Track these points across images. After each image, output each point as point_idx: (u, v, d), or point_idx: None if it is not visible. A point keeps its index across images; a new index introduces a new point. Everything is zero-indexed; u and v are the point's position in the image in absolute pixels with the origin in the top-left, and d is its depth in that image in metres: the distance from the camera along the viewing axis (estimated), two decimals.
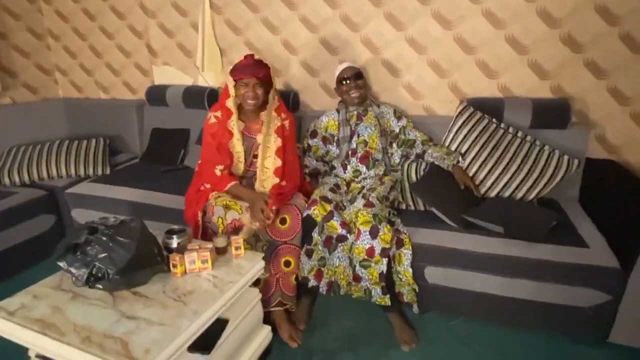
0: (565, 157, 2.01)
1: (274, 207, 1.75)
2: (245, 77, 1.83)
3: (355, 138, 2.15)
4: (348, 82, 2.11)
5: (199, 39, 2.77)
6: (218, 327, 1.33)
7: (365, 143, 2.14)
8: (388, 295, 1.78)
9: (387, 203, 1.96)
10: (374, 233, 1.74)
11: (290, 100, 2.53)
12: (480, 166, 2.06)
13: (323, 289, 1.88)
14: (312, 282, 1.87)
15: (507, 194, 2.02)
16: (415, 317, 1.89)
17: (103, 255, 1.17)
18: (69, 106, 3.17)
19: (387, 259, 1.75)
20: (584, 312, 1.64)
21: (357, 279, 1.80)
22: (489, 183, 2.05)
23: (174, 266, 1.34)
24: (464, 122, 2.15)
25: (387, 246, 1.74)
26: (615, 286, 1.60)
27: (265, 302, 1.76)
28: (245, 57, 1.89)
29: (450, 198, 1.99)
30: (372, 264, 1.75)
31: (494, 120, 2.14)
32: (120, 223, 1.29)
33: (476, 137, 2.10)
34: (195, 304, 1.21)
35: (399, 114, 2.21)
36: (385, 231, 1.75)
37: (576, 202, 2.09)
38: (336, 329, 1.88)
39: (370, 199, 1.87)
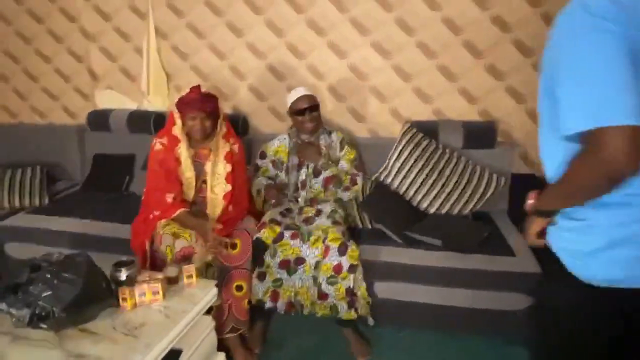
0: (494, 175, 2.22)
1: (221, 229, 1.79)
2: (193, 112, 1.85)
3: (304, 169, 2.17)
4: (304, 114, 2.09)
5: (143, 63, 2.75)
6: (171, 358, 1.32)
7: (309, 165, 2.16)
8: (353, 309, 1.85)
9: (347, 224, 2.06)
10: (342, 250, 1.82)
11: (240, 124, 2.57)
12: (421, 183, 2.22)
13: (281, 309, 1.91)
14: (268, 304, 1.90)
15: (445, 209, 2.19)
16: (368, 331, 1.97)
17: (47, 293, 1.14)
18: (1, 132, 2.98)
19: (353, 275, 1.82)
20: (515, 316, 1.81)
21: (323, 296, 1.85)
22: (429, 199, 2.21)
23: (124, 299, 1.32)
24: (407, 141, 2.29)
25: (355, 263, 1.82)
26: (539, 290, 1.78)
27: (218, 329, 1.76)
28: (192, 89, 1.90)
29: (395, 215, 2.12)
30: (340, 280, 1.81)
31: (433, 140, 2.32)
32: (65, 258, 1.26)
33: (418, 156, 2.26)
34: (146, 337, 1.20)
35: (343, 144, 2.22)
36: (353, 248, 1.83)
37: (505, 215, 2.30)
38: (292, 348, 1.91)
39: (337, 219, 1.95)
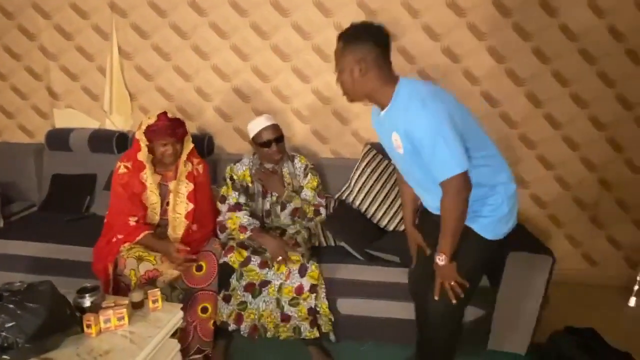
0: None
1: (187, 250, 1.82)
2: (165, 139, 1.86)
3: (268, 198, 2.14)
4: (270, 146, 2.03)
5: (106, 83, 2.73)
6: None
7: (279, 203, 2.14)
8: (316, 327, 1.91)
9: (309, 245, 2.11)
10: (302, 272, 1.88)
11: (205, 144, 2.61)
12: (380, 202, 2.34)
13: (245, 332, 1.94)
14: (232, 327, 1.93)
15: (402, 227, 2.31)
16: (332, 346, 2.04)
17: (11, 324, 1.14)
18: None
19: (315, 295, 1.88)
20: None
21: (285, 319, 1.90)
22: (388, 217, 2.33)
23: (88, 326, 1.33)
24: (367, 162, 2.42)
25: (316, 282, 1.88)
26: (487, 302, 1.93)
27: (183, 350, 1.78)
28: (159, 117, 1.87)
29: (357, 232, 2.22)
30: (301, 301, 1.87)
31: (391, 162, 2.45)
32: (27, 287, 1.26)
33: (378, 176, 2.38)
34: None
35: (307, 172, 2.21)
36: (313, 269, 1.90)
37: None
38: None
39: (298, 240, 2.01)
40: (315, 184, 2.21)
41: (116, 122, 2.80)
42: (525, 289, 1.90)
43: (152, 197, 1.94)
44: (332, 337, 2.01)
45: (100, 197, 2.60)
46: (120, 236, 1.89)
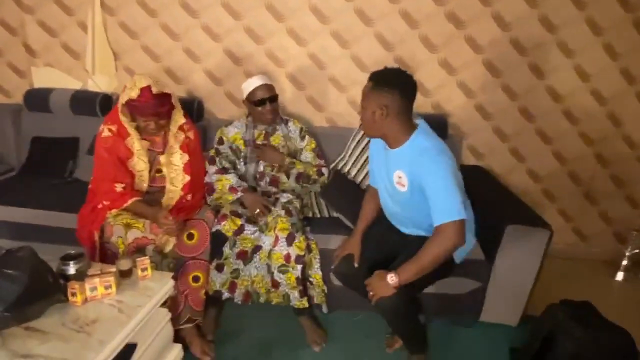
0: None
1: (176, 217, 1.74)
2: (147, 117, 1.73)
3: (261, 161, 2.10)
4: (264, 105, 1.99)
5: (88, 40, 2.56)
6: (126, 353, 1.29)
7: (272, 167, 2.10)
8: (305, 298, 1.88)
9: (302, 216, 2.06)
10: (290, 240, 1.83)
11: (195, 109, 2.49)
12: None
13: (238, 299, 1.91)
14: (225, 295, 1.89)
15: None
16: (324, 317, 2.03)
17: None
18: None
19: (301, 266, 1.84)
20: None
21: (275, 285, 1.87)
22: None
23: (73, 294, 1.26)
24: (363, 135, 2.34)
25: (302, 253, 1.84)
26: (483, 274, 1.92)
27: (174, 320, 1.73)
28: (142, 92, 1.69)
29: (353, 203, 2.16)
30: (290, 269, 1.83)
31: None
32: (6, 253, 1.17)
33: None
34: (100, 333, 1.16)
35: (303, 134, 2.18)
36: (300, 240, 1.85)
37: None
38: (249, 337, 1.93)
39: (290, 209, 1.95)
40: (313, 145, 2.18)
41: (99, 83, 2.64)
42: (521, 263, 1.89)
43: (140, 164, 1.83)
44: (324, 308, 1.99)
45: (83, 161, 2.48)
46: (106, 202, 1.79)
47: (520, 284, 1.93)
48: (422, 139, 1.48)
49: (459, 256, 1.66)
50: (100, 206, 1.81)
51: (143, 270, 1.43)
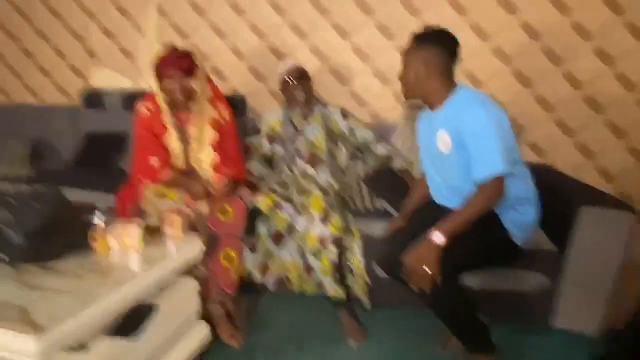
0: None
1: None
2: (169, 71, 1.73)
3: (300, 138, 2.08)
4: (293, 82, 2.02)
5: (143, 41, 2.69)
6: (146, 312, 1.18)
7: (311, 144, 2.06)
8: (342, 287, 1.70)
9: (339, 199, 1.93)
10: (324, 219, 1.69)
11: (238, 105, 2.49)
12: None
13: (270, 285, 1.76)
14: (257, 278, 1.76)
15: None
16: (365, 313, 1.81)
17: (10, 217, 1.01)
18: None
19: (337, 249, 1.68)
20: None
21: (309, 269, 1.72)
22: None
23: (96, 242, 1.19)
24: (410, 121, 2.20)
25: (337, 233, 1.68)
26: (553, 268, 1.65)
27: (202, 302, 1.61)
28: (167, 50, 1.78)
29: (398, 193, 2.00)
30: (324, 252, 1.68)
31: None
32: (33, 190, 1.14)
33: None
34: (117, 276, 1.07)
35: (345, 113, 2.16)
36: (336, 218, 1.70)
37: None
38: (280, 325, 1.76)
39: (327, 189, 1.84)
40: (363, 123, 2.15)
41: (150, 81, 2.73)
42: (599, 254, 1.60)
43: (172, 141, 1.82)
44: (365, 302, 1.78)
45: (130, 153, 2.52)
46: (142, 177, 1.77)
47: (600, 282, 1.63)
48: (463, 93, 1.42)
49: (518, 235, 1.44)
50: (136, 181, 1.79)
51: (172, 227, 1.34)
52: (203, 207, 1.65)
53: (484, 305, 1.71)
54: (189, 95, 1.79)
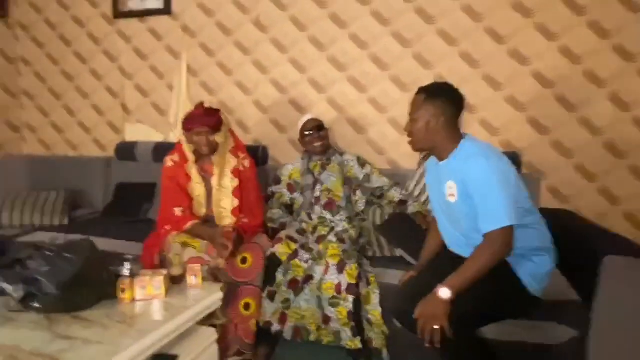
0: None
1: (233, 234, 1.74)
2: (197, 127, 1.86)
3: (318, 186, 2.16)
4: (311, 133, 2.17)
5: (173, 98, 2.90)
6: None
7: (329, 191, 2.14)
8: (359, 338, 1.68)
9: (357, 246, 1.96)
10: (340, 267, 1.71)
11: (259, 155, 2.61)
12: None
13: (288, 334, 1.76)
14: (275, 327, 1.76)
15: None
16: None
17: (46, 268, 1.09)
18: (33, 163, 3.11)
19: (353, 298, 1.69)
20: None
21: (326, 320, 1.71)
22: None
23: (123, 291, 1.25)
24: (423, 172, 2.25)
25: (354, 282, 1.69)
26: (580, 320, 1.58)
27: (222, 350, 1.62)
28: (196, 106, 1.94)
29: (415, 240, 2.00)
30: (341, 302, 1.68)
31: None
32: (68, 241, 1.23)
33: None
34: (141, 324, 1.12)
35: (362, 162, 2.25)
36: (352, 267, 1.72)
37: None
38: None
39: (344, 237, 1.88)
40: (377, 171, 2.24)
41: (178, 134, 2.92)
42: (627, 306, 1.54)
43: (197, 188, 1.92)
44: (385, 355, 1.75)
45: (158, 203, 2.64)
46: (167, 227, 1.86)
47: (630, 333, 1.55)
48: (470, 144, 1.47)
49: (534, 286, 1.43)
50: (162, 231, 1.87)
51: (193, 277, 1.39)
52: (219, 260, 1.70)
53: (507, 356, 1.66)
54: (214, 148, 1.91)
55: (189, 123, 1.90)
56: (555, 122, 2.29)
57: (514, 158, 2.24)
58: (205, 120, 1.86)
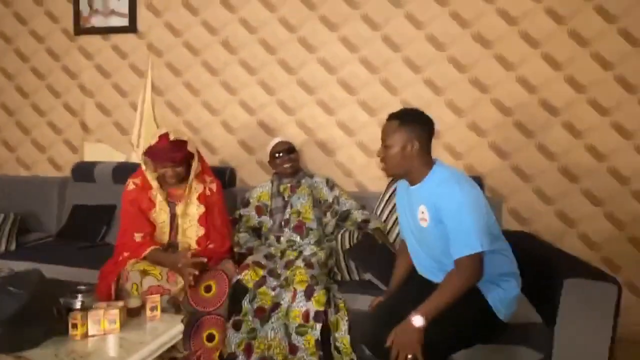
0: None
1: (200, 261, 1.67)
2: (163, 162, 1.78)
3: (288, 209, 2.15)
4: (281, 155, 2.17)
5: (137, 117, 2.80)
6: None
7: (299, 213, 2.13)
8: None
9: (325, 270, 1.93)
10: (308, 294, 1.67)
11: (227, 177, 2.55)
12: None
13: None
14: (240, 359, 1.68)
15: None
16: None
17: None
18: None
19: (320, 325, 1.65)
20: None
21: (293, 350, 1.66)
22: None
23: (74, 326, 1.16)
24: (391, 194, 2.27)
25: (322, 309, 1.66)
26: (544, 342, 1.62)
27: None
28: (160, 138, 1.80)
29: (384, 265, 2.00)
30: (309, 330, 1.64)
31: None
32: (15, 273, 1.13)
33: None
34: None
35: (331, 184, 2.26)
36: (320, 293, 1.69)
37: None
38: None
39: (311, 261, 1.84)
40: (346, 194, 2.26)
41: (141, 160, 2.81)
42: (588, 328, 1.59)
43: (162, 215, 1.85)
44: None
45: (116, 226, 2.51)
46: (126, 254, 1.77)
47: (591, 354, 1.59)
48: (441, 169, 1.50)
49: (503, 311, 1.45)
50: (120, 258, 1.78)
51: (152, 309, 1.32)
52: (178, 285, 1.63)
53: None
54: (181, 178, 1.84)
55: (153, 156, 1.80)
56: (514, 147, 2.39)
57: (478, 182, 2.29)
58: (171, 156, 1.77)
